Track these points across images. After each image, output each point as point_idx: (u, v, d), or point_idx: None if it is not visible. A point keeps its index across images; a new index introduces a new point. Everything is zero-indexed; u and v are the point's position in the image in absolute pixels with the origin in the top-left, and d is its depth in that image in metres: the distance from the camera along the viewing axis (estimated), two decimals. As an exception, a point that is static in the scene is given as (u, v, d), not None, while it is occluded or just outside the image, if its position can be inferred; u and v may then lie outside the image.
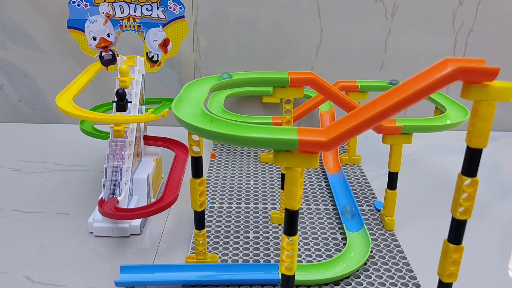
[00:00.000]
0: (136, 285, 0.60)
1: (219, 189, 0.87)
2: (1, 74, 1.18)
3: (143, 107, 0.83)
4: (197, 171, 0.59)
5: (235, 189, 0.87)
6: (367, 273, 0.64)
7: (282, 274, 0.49)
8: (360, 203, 0.82)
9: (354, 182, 0.90)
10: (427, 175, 0.97)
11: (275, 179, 0.91)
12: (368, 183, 0.90)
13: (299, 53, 1.16)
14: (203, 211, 0.62)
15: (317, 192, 0.86)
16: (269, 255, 0.68)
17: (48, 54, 1.16)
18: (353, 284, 0.62)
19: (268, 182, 0.90)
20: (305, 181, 0.90)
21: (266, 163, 0.99)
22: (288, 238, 0.48)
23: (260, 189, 0.87)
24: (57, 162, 0.99)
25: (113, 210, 0.67)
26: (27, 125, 1.21)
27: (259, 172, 0.94)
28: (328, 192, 0.86)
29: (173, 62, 1.17)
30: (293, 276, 0.49)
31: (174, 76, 1.18)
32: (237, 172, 0.94)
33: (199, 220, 0.62)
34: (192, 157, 0.58)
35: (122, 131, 0.72)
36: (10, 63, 1.17)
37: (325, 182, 0.91)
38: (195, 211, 0.61)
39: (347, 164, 0.99)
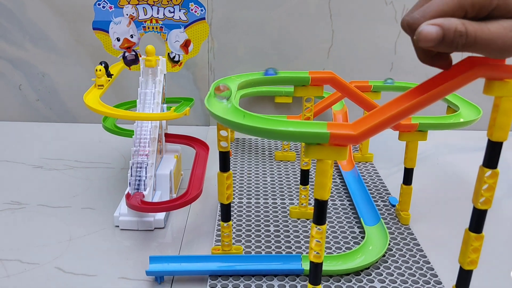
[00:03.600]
0: (165, 274, 0.63)
1: (237, 185, 0.89)
2: (20, 74, 1.21)
3: (165, 105, 0.86)
4: (224, 165, 0.61)
5: (253, 186, 0.89)
6: (386, 264, 0.66)
7: (311, 262, 0.51)
8: (375, 199, 0.85)
9: (368, 179, 0.93)
10: (438, 172, 1.00)
11: (291, 176, 0.94)
12: (381, 180, 0.93)
13: (310, 54, 1.19)
14: (230, 204, 0.64)
15: (332, 188, 0.89)
16: (290, 247, 0.70)
17: (65, 55, 1.19)
18: (373, 274, 0.64)
19: (284, 179, 0.92)
20: (320, 178, 0.93)
21: (281, 160, 1.02)
22: (317, 227, 0.50)
23: (277, 186, 0.89)
24: (78, 159, 1.01)
25: (139, 203, 0.70)
26: (44, 124, 1.24)
27: (275, 170, 0.97)
28: (343, 189, 0.89)
29: (188, 63, 1.20)
30: (321, 263, 0.51)
31: (189, 76, 1.21)
32: (253, 169, 0.97)
33: (226, 213, 0.65)
34: (220, 152, 0.61)
35: (154, 61, 0.78)
36: (29, 63, 1.20)
37: (339, 179, 0.93)
38: (221, 204, 0.64)
39: (359, 162, 1.02)
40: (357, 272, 0.65)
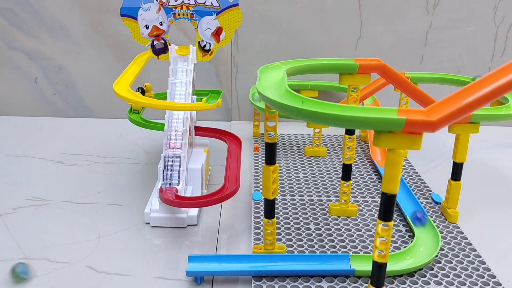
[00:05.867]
0: (205, 275, 0.58)
1: (269, 181, 0.85)
2: (36, 67, 1.16)
3: (195, 97, 0.82)
4: (271, 158, 0.57)
5: (286, 182, 0.85)
6: (440, 264, 0.62)
7: (374, 262, 0.47)
8: (416, 196, 0.80)
9: (405, 175, 0.89)
10: (476, 168, 0.95)
11: (324, 172, 0.89)
12: (420, 176, 0.89)
13: (338, 45, 1.15)
14: (274, 199, 0.60)
15: (369, 185, 0.85)
16: (334, 247, 0.66)
17: (84, 47, 1.15)
18: (427, 275, 0.60)
19: (317, 175, 0.88)
20: (355, 174, 0.88)
21: (311, 156, 0.97)
22: (383, 224, 0.46)
23: (311, 182, 0.85)
24: (99, 155, 0.97)
25: (173, 198, 0.66)
26: (61, 119, 1.19)
27: (306, 165, 0.92)
28: (381, 185, 0.85)
29: (211, 55, 1.15)
30: (386, 264, 0.47)
31: (212, 70, 1.16)
32: (283, 165, 0.92)
33: (270, 209, 0.60)
34: (266, 143, 0.57)
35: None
36: (45, 55, 1.16)
37: (375, 175, 0.89)
38: (266, 200, 0.60)
39: (393, 158, 0.97)
40: (410, 274, 0.60)
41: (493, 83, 0.40)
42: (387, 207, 0.45)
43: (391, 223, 0.46)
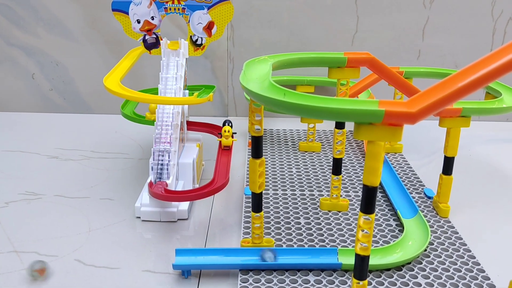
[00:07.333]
0: (192, 268, 0.59)
1: (261, 176, 0.85)
2: (33, 63, 1.17)
3: (187, 91, 0.82)
4: (257, 151, 0.57)
5: (278, 177, 0.85)
6: (429, 258, 0.62)
7: (357, 255, 0.47)
8: (409, 191, 0.80)
9: (399, 170, 0.88)
10: (471, 164, 0.95)
11: (317, 167, 0.89)
12: (413, 171, 0.88)
13: (334, 40, 1.14)
14: (261, 193, 0.60)
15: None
16: (323, 241, 0.66)
17: (81, 42, 1.15)
18: (415, 269, 0.60)
19: (310, 170, 0.88)
20: (348, 169, 0.88)
21: (305, 151, 0.97)
22: (365, 217, 0.46)
23: (303, 177, 0.85)
24: (94, 150, 0.97)
25: (163, 192, 0.66)
26: (58, 115, 1.20)
27: (300, 161, 0.92)
28: (374, 180, 0.84)
29: (206, 52, 1.15)
30: (368, 256, 0.47)
31: (207, 65, 1.16)
32: (277, 160, 0.92)
33: (257, 203, 0.60)
34: (252, 137, 0.57)
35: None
36: (42, 51, 1.16)
37: (369, 170, 0.88)
38: (253, 193, 0.60)
39: (388, 153, 0.97)
40: (398, 267, 0.60)
41: (475, 73, 0.40)
42: (369, 200, 0.45)
43: (373, 215, 0.46)
